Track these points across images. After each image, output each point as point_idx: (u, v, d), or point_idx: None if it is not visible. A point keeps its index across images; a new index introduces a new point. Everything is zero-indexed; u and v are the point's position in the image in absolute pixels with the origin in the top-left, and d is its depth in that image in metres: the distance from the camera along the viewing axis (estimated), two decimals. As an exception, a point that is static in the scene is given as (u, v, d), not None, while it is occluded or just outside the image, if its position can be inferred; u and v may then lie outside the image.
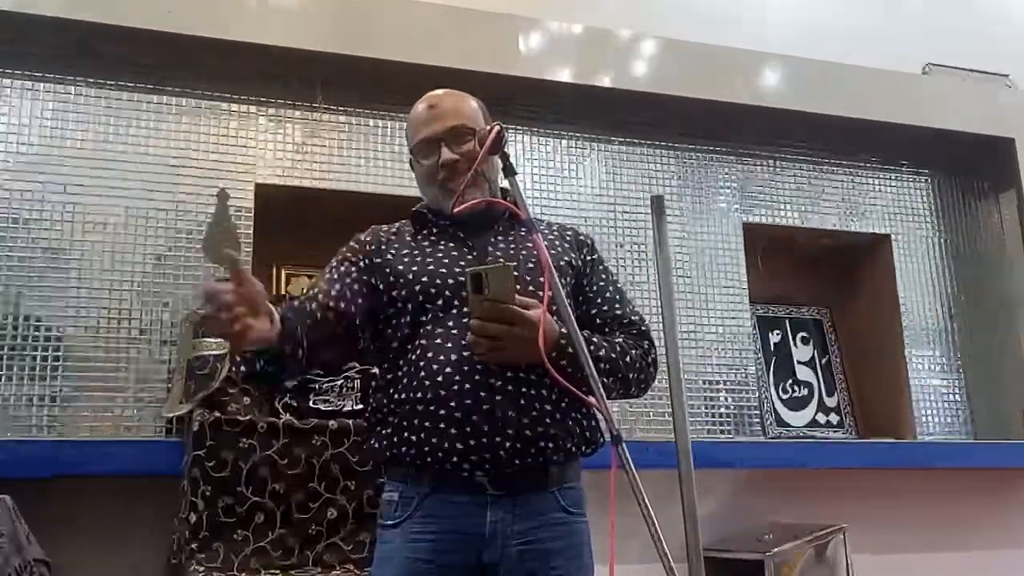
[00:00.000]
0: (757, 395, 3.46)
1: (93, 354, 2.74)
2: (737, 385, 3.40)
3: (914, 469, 3.45)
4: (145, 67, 2.97)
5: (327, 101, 3.13)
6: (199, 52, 2.95)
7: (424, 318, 1.73)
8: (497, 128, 1.70)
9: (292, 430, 2.47)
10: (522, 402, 1.66)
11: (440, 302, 1.72)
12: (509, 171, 1.71)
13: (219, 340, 2.64)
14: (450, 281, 1.73)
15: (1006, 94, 3.88)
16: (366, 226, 1.93)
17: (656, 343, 1.89)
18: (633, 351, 1.82)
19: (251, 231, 2.93)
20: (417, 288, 1.74)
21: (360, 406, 2.59)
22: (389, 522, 1.73)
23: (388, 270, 1.79)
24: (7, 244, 2.75)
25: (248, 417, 2.48)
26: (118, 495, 2.60)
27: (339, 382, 2.67)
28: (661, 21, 3.53)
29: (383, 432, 1.72)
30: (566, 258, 1.85)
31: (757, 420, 3.40)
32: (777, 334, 3.85)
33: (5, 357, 2.67)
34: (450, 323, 1.71)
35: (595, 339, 1.76)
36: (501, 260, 1.76)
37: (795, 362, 3.82)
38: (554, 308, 1.67)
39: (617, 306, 1.89)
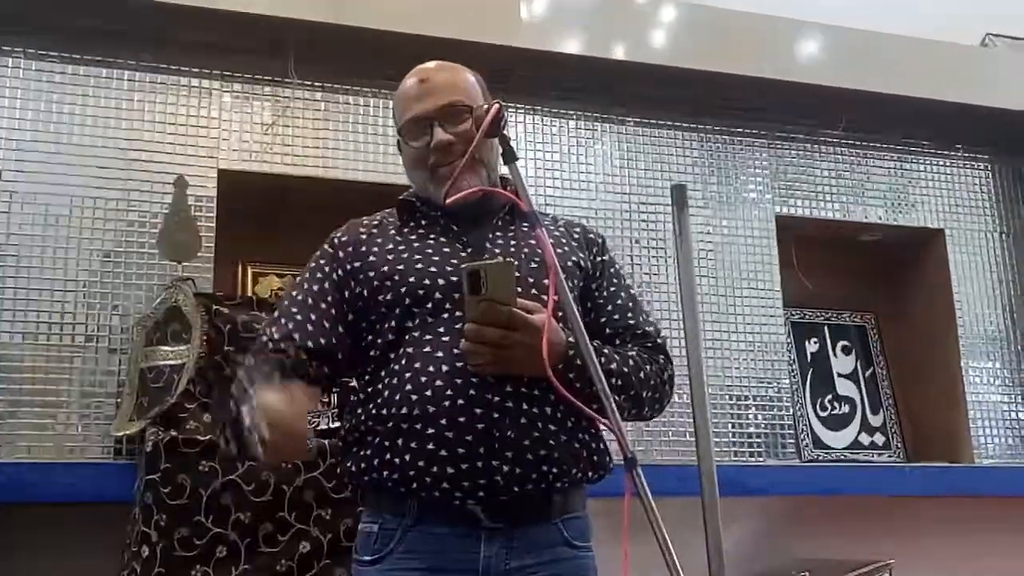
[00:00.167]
0: (791, 412, 3.45)
1: (32, 364, 2.72)
2: (768, 401, 3.39)
3: (971, 497, 3.43)
4: (91, 36, 2.97)
5: (301, 75, 3.12)
6: (153, 18, 2.93)
7: (411, 323, 1.71)
8: (496, 106, 1.68)
9: (259, 451, 2.45)
10: (523, 421, 1.65)
11: (429, 305, 1.70)
12: (509, 156, 1.69)
13: (176, 348, 2.64)
14: (441, 281, 1.72)
15: (1076, 69, 3.88)
16: (345, 220, 1.92)
17: (672, 358, 1.88)
18: (648, 366, 1.80)
19: (213, 224, 2.92)
20: (403, 290, 1.72)
21: (337, 424, 2.59)
22: (366, 557, 1.71)
23: (372, 273, 1.77)
24: (-66, 238, 2.75)
25: (209, 436, 2.47)
26: (60, 525, 2.58)
27: (313, 396, 2.67)
28: (682, -15, 3.53)
29: (361, 454, 1.70)
30: (573, 258, 1.84)
31: (791, 441, 3.39)
32: (815, 343, 3.84)
33: (-69, 367, 2.67)
34: (441, 329, 1.69)
35: (605, 351, 1.75)
36: (500, 256, 1.75)
37: (835, 375, 3.81)
38: (559, 314, 1.66)
39: (630, 315, 1.88)
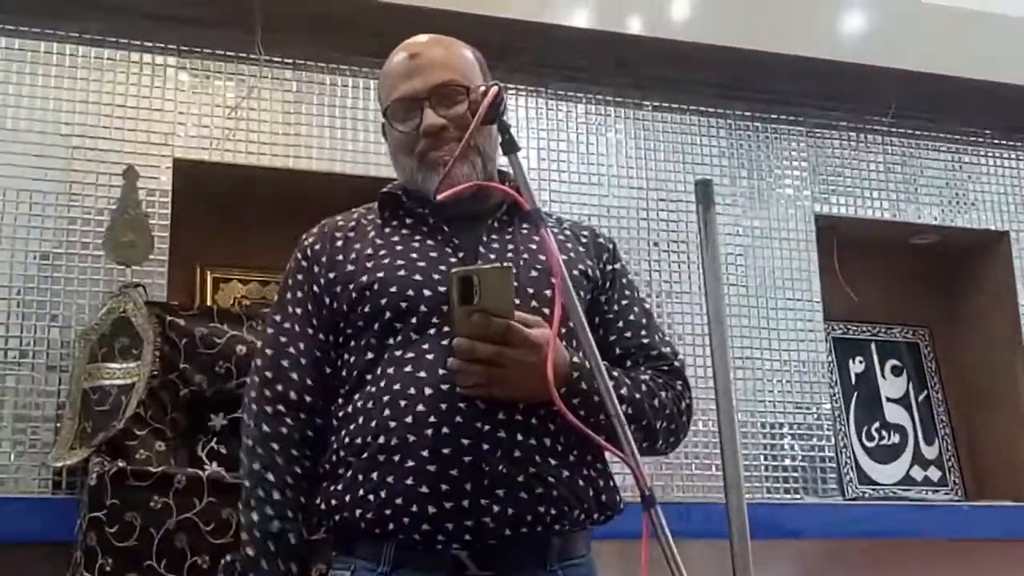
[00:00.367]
0: (833, 443, 3.46)
1: (-43, 383, 2.74)
2: (807, 429, 3.40)
3: (1040, 541, 3.44)
4: (26, 4, 2.98)
5: (270, 50, 3.13)
6: (101, -15, 2.96)
7: (391, 340, 1.71)
8: (495, 89, 1.69)
9: (220, 486, 2.46)
10: (517, 453, 1.65)
11: (413, 319, 1.70)
12: (510, 146, 1.69)
13: (124, 365, 2.64)
14: (426, 292, 1.72)
15: None
16: (320, 217, 1.93)
17: (692, 384, 1.88)
18: (663, 393, 1.80)
19: (167, 221, 2.93)
20: (383, 302, 1.72)
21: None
22: (337, 610, 1.72)
23: (350, 285, 1.77)
24: None
25: (162, 468, 2.47)
26: (-11, 569, 2.59)
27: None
28: (709, -51, 3.55)
29: (332, 489, 1.71)
30: (580, 266, 1.84)
31: (833, 476, 3.40)
32: (860, 363, 3.84)
33: None
34: (425, 346, 1.69)
35: (614, 373, 1.75)
36: (496, 262, 1.75)
37: (884, 399, 3.82)
38: (563, 330, 1.67)
39: (643, 333, 1.88)
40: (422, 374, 1.67)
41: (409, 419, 1.65)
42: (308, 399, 1.78)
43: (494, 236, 1.82)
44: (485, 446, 1.63)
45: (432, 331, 1.70)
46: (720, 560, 1.96)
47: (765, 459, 3.33)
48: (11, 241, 2.85)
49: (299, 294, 1.83)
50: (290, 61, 3.18)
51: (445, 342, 1.67)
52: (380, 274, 1.75)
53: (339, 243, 1.83)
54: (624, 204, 3.39)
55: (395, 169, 1.89)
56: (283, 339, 1.81)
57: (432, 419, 1.64)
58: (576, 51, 3.37)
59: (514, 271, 1.69)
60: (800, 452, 3.37)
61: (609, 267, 1.90)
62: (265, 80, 3.14)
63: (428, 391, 1.65)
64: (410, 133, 1.81)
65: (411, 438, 1.64)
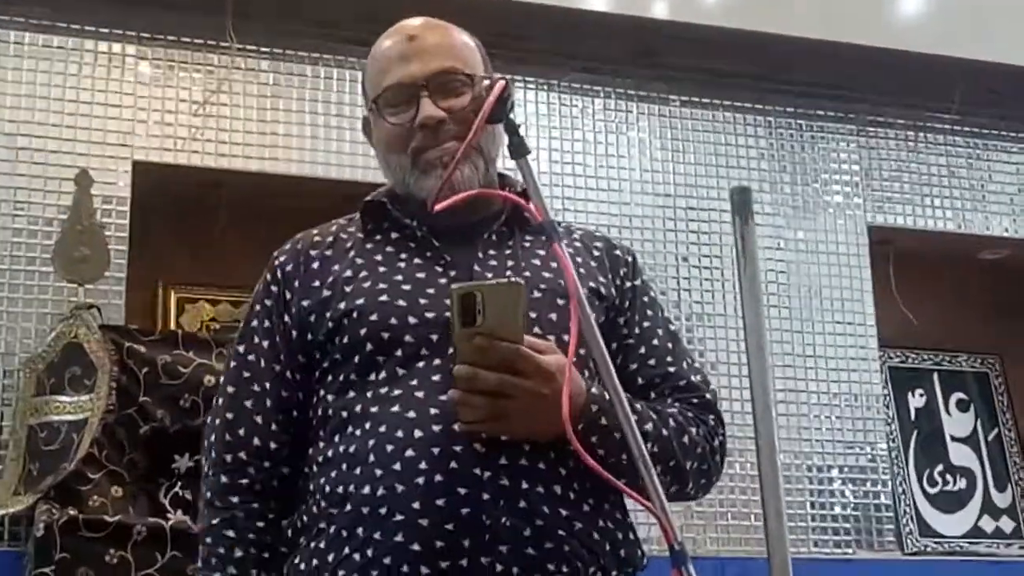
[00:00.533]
0: (890, 489, 3.45)
1: None
2: (860, 473, 3.39)
3: None
4: (-32, -14, 3.00)
5: (242, 38, 3.14)
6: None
7: (374, 375, 1.69)
8: (502, 84, 1.69)
9: (185, 537, 2.45)
10: (522, 503, 1.63)
11: (398, 352, 1.69)
12: (519, 149, 1.69)
13: (76, 399, 2.64)
14: (411, 319, 1.70)
15: None
16: (300, 228, 1.93)
17: (726, 418, 1.88)
18: (693, 429, 1.79)
19: (126, 233, 2.94)
20: (363, 332, 1.70)
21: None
22: None
23: (328, 314, 1.76)
24: None
25: (118, 517, 2.47)
26: (-81, 633, 2.58)
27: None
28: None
29: (311, 547, 1.69)
30: (591, 283, 1.82)
31: (890, 527, 3.40)
32: (921, 396, 3.84)
33: None
34: (413, 382, 1.67)
35: (637, 407, 1.74)
36: (499, 278, 1.74)
37: (948, 438, 3.81)
38: (574, 359, 1.66)
39: (669, 359, 1.86)
40: (411, 414, 1.65)
41: (397, 466, 1.64)
42: (273, 446, 1.78)
43: (491, 251, 1.81)
44: (485, 496, 1.62)
45: (421, 364, 1.69)
46: (761, 623, 1.95)
47: (812, 507, 3.32)
48: (-53, 256, 2.87)
49: (267, 323, 1.82)
50: (266, 50, 3.20)
51: (436, 377, 1.66)
52: (359, 300, 1.74)
53: (315, 264, 1.82)
54: (649, 214, 3.39)
55: (383, 170, 1.88)
56: (247, 374, 1.81)
57: (423, 466, 1.63)
58: (594, 37, 3.39)
59: (523, 288, 1.68)
60: (852, 499, 3.37)
61: (628, 283, 1.89)
62: (237, 72, 3.16)
63: (418, 433, 1.64)
64: (404, 126, 1.80)
65: (400, 488, 1.63)
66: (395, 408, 1.66)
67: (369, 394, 1.69)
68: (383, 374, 1.69)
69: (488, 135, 1.79)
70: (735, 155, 3.53)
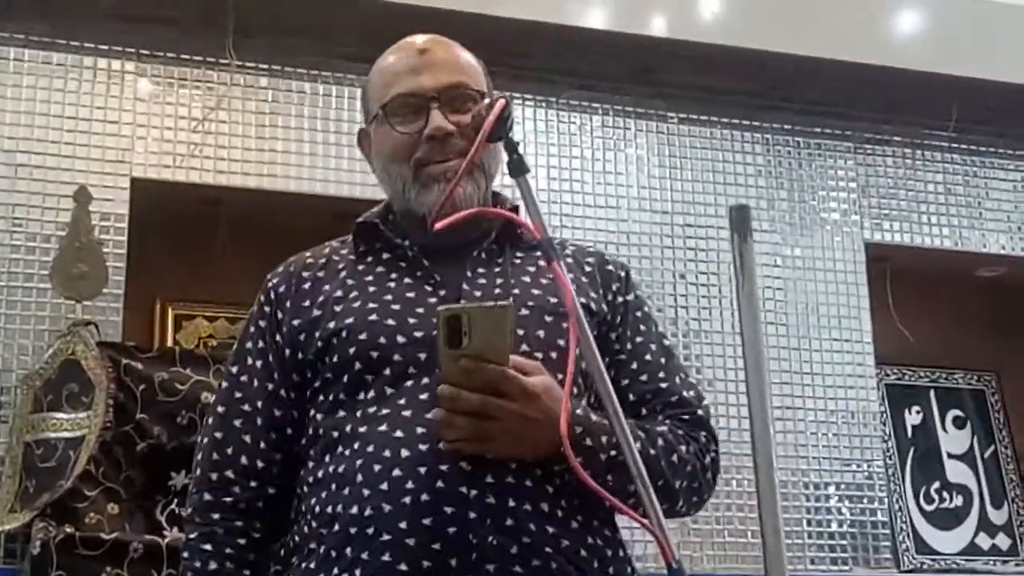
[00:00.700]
0: (887, 506, 3.45)
1: None
2: (857, 490, 3.39)
3: None
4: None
5: (242, 56, 3.14)
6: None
7: (362, 395, 1.69)
8: (502, 102, 1.69)
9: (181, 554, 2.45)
10: (509, 521, 1.63)
11: (387, 371, 1.69)
12: (518, 168, 1.69)
13: (73, 416, 2.64)
14: (400, 339, 1.70)
15: None
16: (297, 246, 1.93)
17: (718, 436, 1.87)
18: (683, 447, 1.79)
19: (124, 250, 2.93)
20: (352, 351, 1.70)
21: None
22: None
23: (317, 333, 1.77)
24: None
25: (115, 534, 2.46)
26: (-85, 651, 2.58)
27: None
28: (743, -60, 3.57)
29: (301, 567, 1.69)
30: (583, 299, 1.81)
31: (887, 544, 3.39)
32: (917, 413, 3.83)
33: None
34: (401, 401, 1.67)
35: (626, 425, 1.74)
36: (486, 299, 1.74)
37: (944, 456, 3.81)
38: (559, 377, 1.66)
39: (661, 375, 1.86)
40: (398, 433, 1.65)
41: (384, 486, 1.63)
42: (260, 465, 1.78)
43: (480, 269, 1.80)
44: (472, 514, 1.62)
45: (409, 384, 1.69)
46: (758, 642, 1.95)
47: (809, 524, 3.31)
48: (-56, 272, 2.86)
49: (260, 344, 1.83)
50: (265, 67, 3.20)
51: (424, 396, 1.66)
52: (349, 320, 1.74)
53: (306, 284, 1.82)
54: (646, 230, 3.39)
55: (382, 181, 1.88)
56: (238, 395, 1.81)
57: (410, 485, 1.62)
58: (592, 55, 3.39)
59: (511, 310, 1.68)
60: (849, 516, 3.36)
61: (620, 298, 1.89)
62: (236, 88, 3.15)
63: (405, 453, 1.64)
64: (411, 136, 1.80)
65: (387, 507, 1.62)
66: (383, 427, 1.66)
67: (358, 413, 1.69)
68: (371, 393, 1.69)
69: (489, 153, 1.80)
70: (732, 172, 3.53)
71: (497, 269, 1.80)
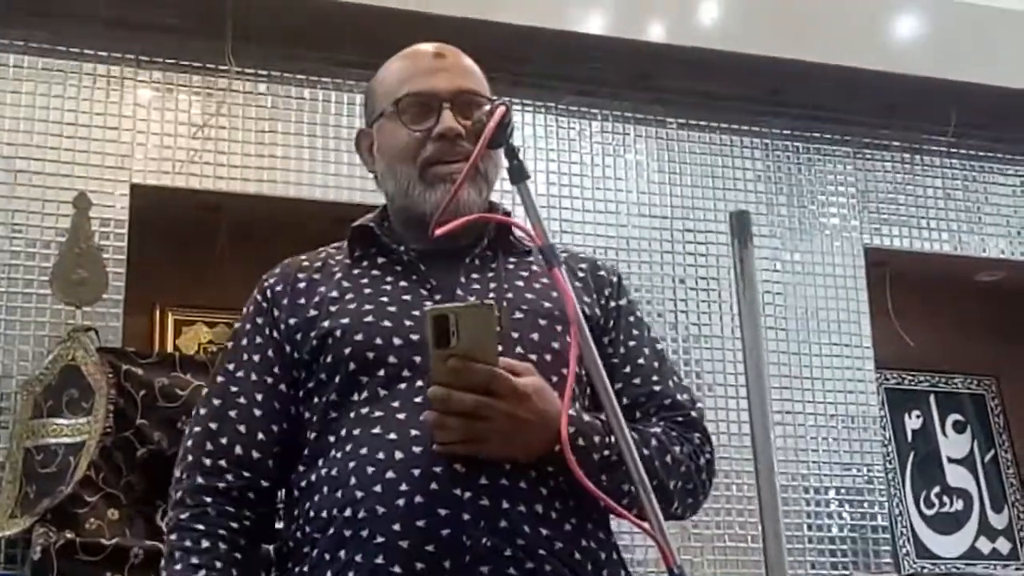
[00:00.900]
0: (887, 510, 3.44)
1: None
2: (857, 495, 3.38)
3: None
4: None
5: (242, 62, 3.14)
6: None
7: (356, 396, 1.69)
8: (503, 108, 1.69)
9: (182, 559, 2.45)
10: (503, 523, 1.62)
11: (381, 372, 1.68)
12: (518, 174, 1.69)
13: (73, 421, 2.64)
14: (396, 341, 1.70)
15: None
16: (298, 250, 1.93)
17: (711, 437, 1.87)
18: (677, 448, 1.79)
19: (124, 256, 2.93)
20: (347, 351, 1.70)
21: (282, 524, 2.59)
22: None
23: (312, 332, 1.77)
24: None
25: (115, 540, 2.46)
26: (-85, 657, 2.57)
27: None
28: (742, -55, 3.57)
29: (296, 570, 1.70)
30: (578, 305, 1.84)
31: (887, 548, 3.38)
32: (917, 417, 3.83)
33: None
34: (395, 403, 1.67)
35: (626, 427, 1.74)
36: (490, 297, 1.74)
37: (944, 460, 3.81)
38: (554, 380, 1.66)
39: (655, 378, 1.86)
40: (392, 435, 1.65)
41: (378, 488, 1.63)
42: (255, 455, 1.77)
43: (474, 275, 1.81)
44: (466, 516, 1.62)
45: (403, 386, 1.69)
46: (759, 647, 1.95)
47: (809, 529, 3.31)
48: (-56, 278, 2.86)
49: (257, 339, 1.82)
50: (264, 73, 3.20)
51: (419, 399, 1.65)
52: (344, 320, 1.74)
53: (301, 285, 1.83)
54: (646, 236, 3.39)
55: (384, 180, 1.87)
56: (234, 388, 1.80)
57: (404, 487, 1.62)
58: (591, 61, 3.39)
59: (497, 311, 1.68)
60: (849, 520, 3.36)
61: (612, 303, 1.89)
62: (236, 94, 3.15)
63: (399, 455, 1.64)
64: (420, 134, 1.81)
65: (381, 510, 1.62)
66: (376, 429, 1.66)
67: (351, 415, 1.69)
68: (365, 394, 1.69)
69: (490, 160, 1.80)
70: (732, 177, 3.53)
71: (491, 274, 1.80)
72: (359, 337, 1.71)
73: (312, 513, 1.68)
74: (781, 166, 3.58)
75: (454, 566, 1.60)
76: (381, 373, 1.69)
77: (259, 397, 1.78)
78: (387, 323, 1.71)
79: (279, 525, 1.80)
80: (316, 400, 1.73)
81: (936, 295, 3.84)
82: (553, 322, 1.70)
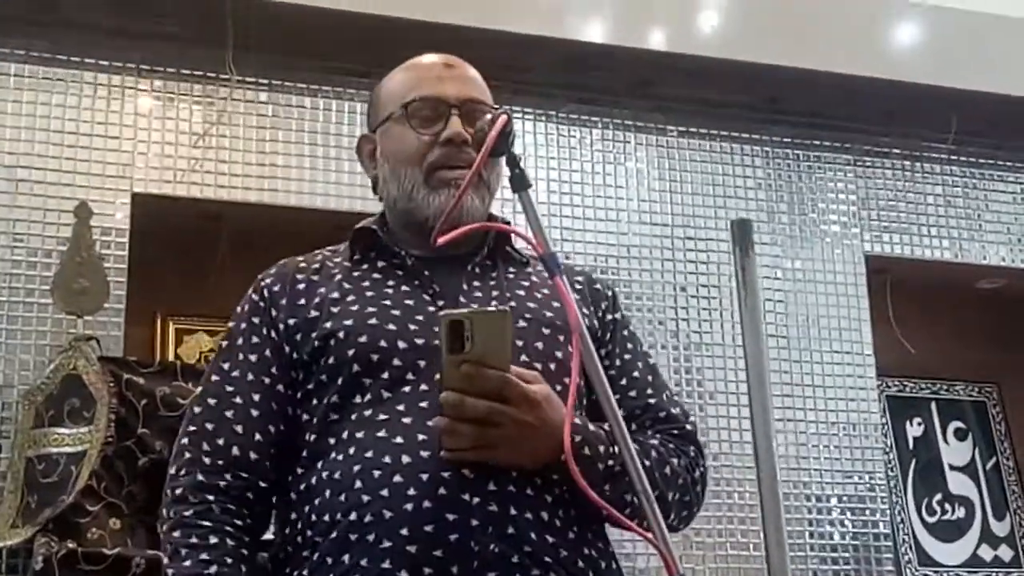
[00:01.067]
0: (888, 518, 3.44)
1: None
2: (858, 502, 3.38)
3: None
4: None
5: (242, 71, 3.15)
6: (50, -4, 2.99)
7: (360, 398, 1.69)
8: (504, 117, 1.70)
9: (184, 569, 2.45)
10: (510, 529, 1.62)
11: (385, 374, 1.69)
12: (520, 182, 1.70)
13: (74, 431, 2.64)
14: (401, 344, 1.70)
15: None
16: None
17: (705, 451, 1.88)
18: (674, 460, 1.79)
19: (125, 265, 2.93)
20: (351, 352, 1.70)
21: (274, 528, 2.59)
22: None
23: (312, 333, 1.76)
24: None
25: (117, 549, 2.46)
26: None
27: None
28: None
29: (295, 574, 1.70)
30: (571, 317, 1.84)
31: (889, 556, 3.38)
32: (918, 424, 3.83)
33: None
34: (400, 406, 1.67)
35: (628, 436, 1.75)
36: (496, 306, 1.75)
37: (946, 467, 3.81)
38: (558, 388, 1.67)
39: (649, 392, 1.87)
40: (398, 439, 1.65)
41: (385, 492, 1.63)
42: (253, 457, 1.76)
43: (476, 283, 1.82)
44: (474, 522, 1.62)
45: (407, 389, 1.69)
46: (762, 656, 1.94)
47: (811, 536, 3.31)
48: (-55, 287, 2.86)
49: (254, 339, 1.82)
50: (265, 82, 3.20)
51: (424, 403, 1.66)
52: (348, 321, 1.74)
53: (300, 285, 1.82)
54: (647, 244, 3.39)
55: (387, 183, 1.87)
56: (230, 388, 1.79)
57: (411, 491, 1.62)
58: (592, 69, 3.39)
59: (511, 315, 1.68)
60: (851, 528, 3.35)
61: (608, 317, 1.91)
62: (237, 103, 3.16)
63: (406, 459, 1.64)
64: (428, 139, 1.82)
65: (388, 514, 1.62)
66: (381, 433, 1.66)
67: (353, 417, 1.68)
68: (368, 396, 1.69)
69: (492, 169, 1.81)
70: (732, 185, 3.53)
71: (492, 283, 1.81)
72: (363, 339, 1.70)
73: (313, 516, 1.68)
74: (781, 174, 3.59)
75: (461, 571, 1.60)
76: (385, 376, 1.69)
77: (256, 397, 1.77)
78: (391, 326, 1.71)
79: (271, 531, 1.80)
80: (316, 401, 1.73)
81: (937, 302, 3.84)
82: (556, 332, 1.72)
